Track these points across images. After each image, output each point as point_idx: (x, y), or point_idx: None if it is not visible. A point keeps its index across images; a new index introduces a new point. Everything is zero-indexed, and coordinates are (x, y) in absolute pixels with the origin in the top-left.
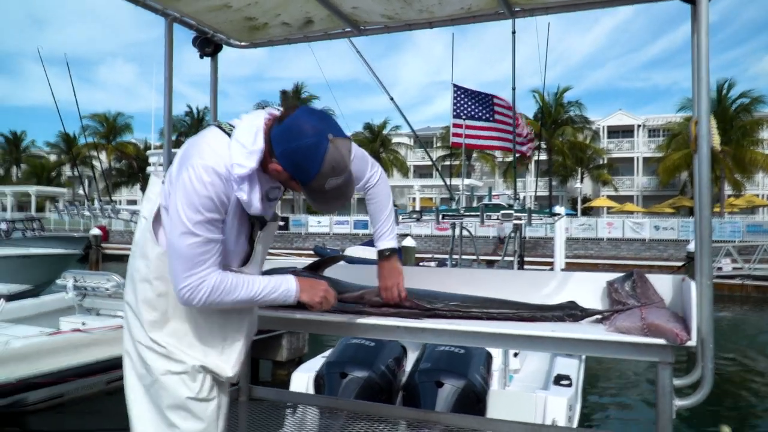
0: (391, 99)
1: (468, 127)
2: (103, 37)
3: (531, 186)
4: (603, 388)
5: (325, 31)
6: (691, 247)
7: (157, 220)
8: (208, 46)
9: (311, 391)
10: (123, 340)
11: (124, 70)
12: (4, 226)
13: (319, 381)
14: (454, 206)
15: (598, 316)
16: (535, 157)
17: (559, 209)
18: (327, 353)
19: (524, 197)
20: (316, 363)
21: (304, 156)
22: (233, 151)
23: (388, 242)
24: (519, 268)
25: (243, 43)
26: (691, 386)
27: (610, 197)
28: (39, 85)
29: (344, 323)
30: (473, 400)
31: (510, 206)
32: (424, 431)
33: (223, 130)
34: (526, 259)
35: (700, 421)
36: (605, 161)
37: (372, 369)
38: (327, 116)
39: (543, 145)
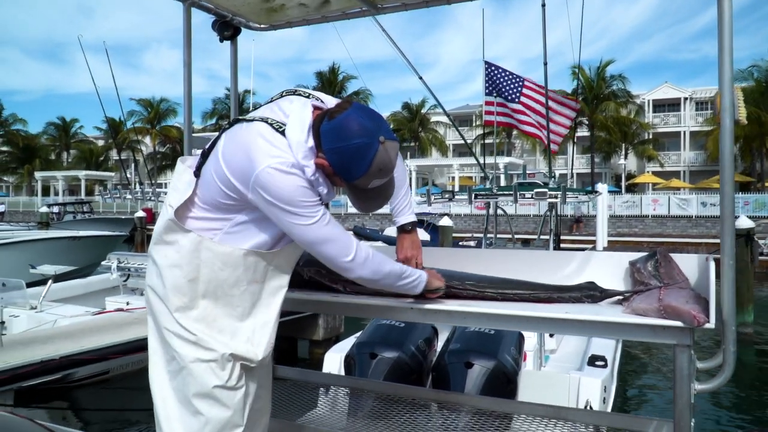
0: (420, 78)
1: (499, 104)
2: (147, 24)
3: (573, 163)
4: (641, 368)
5: (342, 11)
6: (741, 223)
7: (185, 208)
8: (227, 29)
9: (342, 371)
10: (148, 326)
11: (169, 55)
12: (56, 209)
13: (350, 361)
14: (488, 185)
15: (619, 297)
16: (577, 133)
17: (600, 186)
18: (359, 333)
19: (559, 174)
20: (348, 343)
21: (353, 156)
22: (295, 150)
23: (408, 216)
24: (555, 248)
25: (262, 26)
26: (716, 369)
27: (655, 173)
28: (87, 72)
29: (366, 305)
30: (503, 381)
31: (545, 184)
32: (453, 413)
33: (272, 126)
34: (568, 237)
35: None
36: (650, 136)
37: (402, 350)
38: (378, 116)
39: (585, 121)
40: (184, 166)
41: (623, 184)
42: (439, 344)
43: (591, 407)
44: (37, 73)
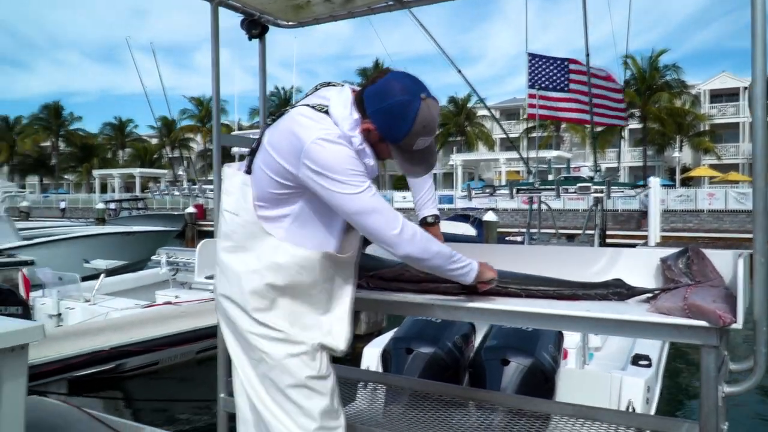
0: (458, 71)
1: (542, 97)
2: (198, 24)
3: (625, 157)
4: (689, 368)
5: (368, 6)
6: None
7: (264, 211)
8: (255, 27)
9: (379, 366)
10: (223, 337)
11: (221, 54)
12: (113, 206)
13: (386, 356)
14: (530, 180)
15: (648, 296)
16: (628, 126)
17: (652, 180)
18: (396, 329)
19: (606, 168)
20: (386, 338)
21: (397, 113)
22: (341, 124)
23: (431, 209)
24: (601, 244)
25: (290, 23)
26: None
27: (712, 166)
28: (144, 73)
29: (391, 302)
30: (540, 380)
31: (591, 179)
32: (487, 412)
33: (314, 108)
34: (618, 233)
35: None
36: (707, 128)
37: (438, 345)
38: (418, 79)
39: (637, 113)
40: (233, 170)
41: (677, 177)
42: (477, 340)
43: (633, 408)
44: (95, 75)
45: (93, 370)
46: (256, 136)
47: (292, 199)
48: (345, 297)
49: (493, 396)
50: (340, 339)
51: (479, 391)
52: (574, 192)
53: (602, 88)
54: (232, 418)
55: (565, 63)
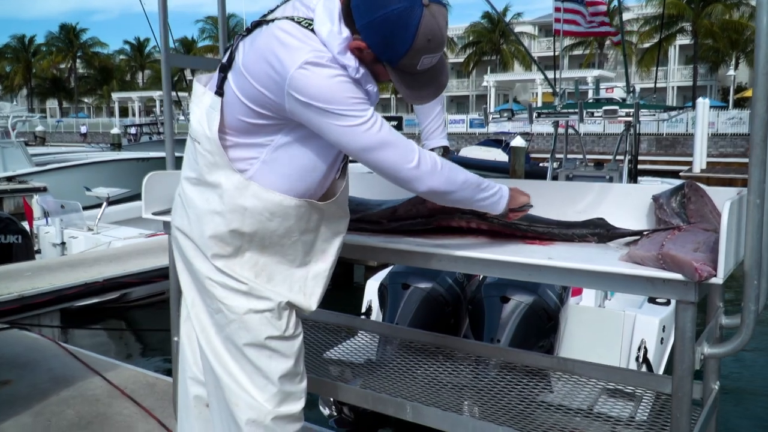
0: None
1: (567, 10)
2: None
3: (674, 76)
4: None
5: None
6: None
7: (233, 141)
8: None
9: (376, 301)
10: (177, 274)
11: None
12: (133, 130)
13: (383, 291)
14: (556, 102)
15: (636, 238)
16: (677, 41)
17: (700, 102)
18: None
19: (640, 89)
20: (387, 271)
21: (393, 26)
22: (329, 44)
23: (440, 140)
24: (631, 171)
25: None
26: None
27: None
28: None
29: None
30: (543, 318)
31: (623, 100)
32: (453, 359)
33: (299, 24)
34: (660, 158)
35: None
36: None
37: (437, 281)
38: None
39: (687, 27)
40: (201, 88)
41: (731, 98)
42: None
43: (645, 348)
44: None
45: (89, 302)
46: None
47: (269, 131)
48: (327, 253)
49: (454, 342)
50: (312, 299)
51: (447, 338)
52: (600, 116)
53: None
54: None
55: None
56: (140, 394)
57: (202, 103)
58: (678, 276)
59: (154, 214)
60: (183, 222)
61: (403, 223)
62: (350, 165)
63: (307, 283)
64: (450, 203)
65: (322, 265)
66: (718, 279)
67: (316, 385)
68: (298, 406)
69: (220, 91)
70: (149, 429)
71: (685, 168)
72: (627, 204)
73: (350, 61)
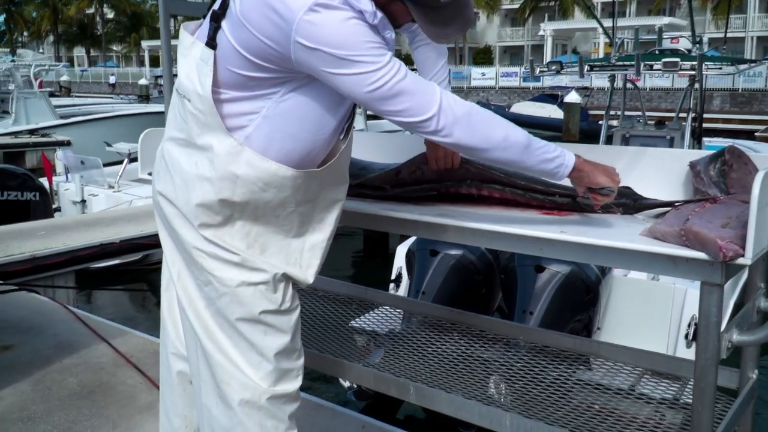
0: None
1: None
2: None
3: (754, 24)
4: None
5: None
6: None
7: (227, 99)
8: None
9: (404, 267)
10: (161, 241)
11: None
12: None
13: (410, 258)
14: (612, 53)
15: (664, 210)
16: None
17: None
18: None
19: (709, 39)
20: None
21: None
22: None
23: None
24: (695, 134)
25: None
26: None
27: None
28: None
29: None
30: (580, 290)
31: (688, 52)
32: (476, 339)
33: None
34: (735, 116)
35: None
36: None
37: (468, 247)
38: None
39: None
40: (191, 38)
41: None
42: None
43: (696, 324)
44: None
45: (106, 264)
46: None
47: (271, 85)
48: (325, 223)
49: (481, 321)
50: (309, 271)
51: (465, 314)
52: (659, 69)
53: None
54: None
55: None
56: (146, 363)
57: (191, 55)
58: (702, 255)
59: (151, 174)
60: (167, 187)
61: (407, 189)
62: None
63: (304, 255)
64: (493, 163)
65: (320, 236)
66: (746, 260)
67: (316, 361)
68: (295, 384)
69: (212, 43)
70: (152, 401)
71: (762, 128)
72: (679, 171)
73: (366, 5)
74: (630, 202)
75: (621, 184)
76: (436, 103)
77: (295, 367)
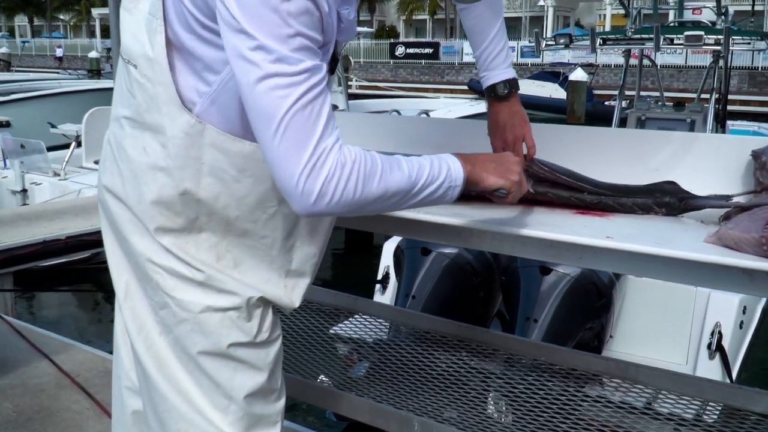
0: None
1: None
2: None
3: None
4: None
5: None
6: None
7: (182, 62)
8: None
9: (392, 266)
10: (106, 251)
11: None
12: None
13: (398, 256)
14: (628, 25)
15: (716, 212)
16: None
17: None
18: None
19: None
20: None
21: None
22: None
23: (504, 71)
24: (718, 117)
25: None
26: None
27: None
28: None
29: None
30: (592, 295)
31: (712, 25)
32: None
33: None
34: (754, 98)
35: None
36: None
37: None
38: None
39: None
40: None
41: None
42: None
43: (720, 333)
44: None
45: (50, 263)
46: None
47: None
48: (317, 231)
49: (494, 338)
50: (294, 292)
51: (475, 329)
52: (681, 44)
53: None
54: None
55: None
56: (95, 384)
57: (138, 10)
58: None
59: (97, 162)
60: (114, 180)
61: None
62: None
63: (289, 272)
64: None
65: (309, 249)
66: None
67: (300, 390)
68: None
69: None
70: (102, 430)
71: None
72: (713, 161)
73: None
74: (675, 202)
75: (665, 179)
76: (325, 143)
77: (272, 412)
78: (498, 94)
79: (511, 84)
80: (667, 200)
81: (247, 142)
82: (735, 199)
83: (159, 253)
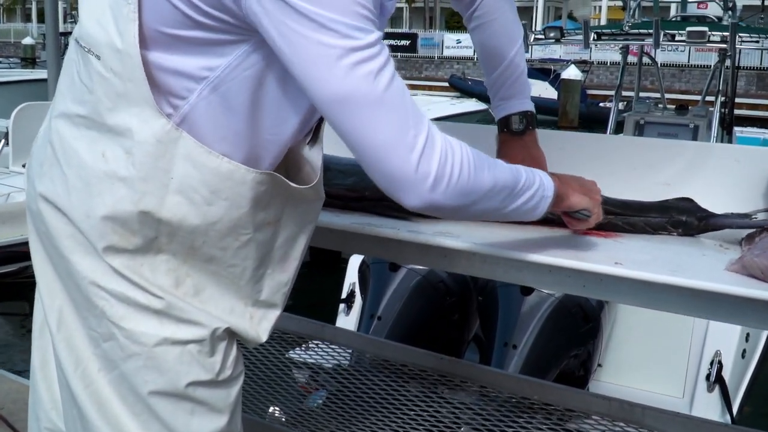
0: None
1: None
2: None
3: None
4: None
5: None
6: None
7: (158, 61)
8: None
9: (357, 284)
10: (35, 269)
11: None
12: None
13: (363, 272)
14: (626, 19)
15: (739, 232)
16: None
17: None
18: None
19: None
20: None
21: None
22: None
23: (521, 102)
24: (724, 122)
25: None
26: None
27: None
28: None
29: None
30: (578, 318)
31: (718, 20)
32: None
33: None
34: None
35: None
36: None
37: None
38: None
39: None
40: None
41: None
42: None
43: (720, 363)
44: None
45: None
46: None
47: (219, 49)
48: (289, 258)
49: (467, 369)
50: (262, 325)
51: (432, 356)
52: (683, 40)
53: None
54: None
55: None
56: (22, 417)
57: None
58: None
59: (24, 166)
60: (55, 188)
61: (379, 204)
62: None
63: (257, 303)
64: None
65: (281, 277)
66: None
67: None
68: None
69: None
70: None
71: None
72: (725, 174)
73: None
74: (693, 221)
75: (681, 195)
76: (424, 131)
77: None
78: (512, 129)
79: (528, 119)
80: (684, 219)
81: (225, 159)
82: (757, 217)
83: (107, 275)
